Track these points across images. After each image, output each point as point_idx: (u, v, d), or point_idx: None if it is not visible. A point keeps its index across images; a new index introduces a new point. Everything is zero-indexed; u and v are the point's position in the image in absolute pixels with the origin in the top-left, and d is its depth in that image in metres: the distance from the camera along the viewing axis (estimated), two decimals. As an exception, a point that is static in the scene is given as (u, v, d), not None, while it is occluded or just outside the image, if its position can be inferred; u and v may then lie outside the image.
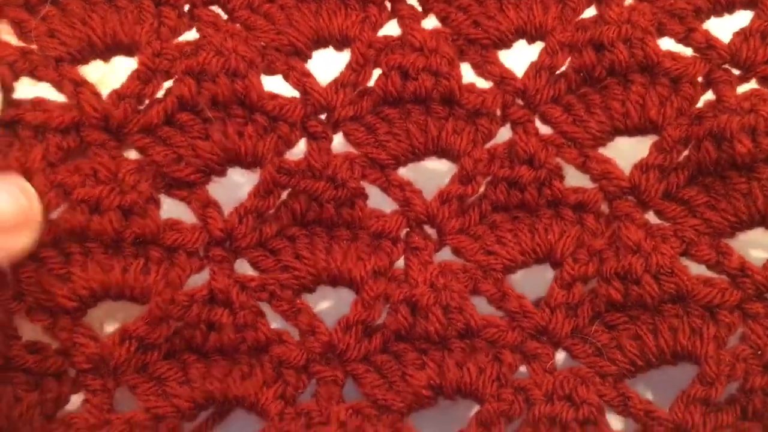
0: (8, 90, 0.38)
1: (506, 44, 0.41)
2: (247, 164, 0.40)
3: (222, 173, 0.40)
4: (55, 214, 0.37)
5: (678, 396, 0.38)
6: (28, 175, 0.36)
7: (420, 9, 0.41)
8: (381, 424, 0.39)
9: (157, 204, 0.39)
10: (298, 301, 0.40)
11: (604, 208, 0.41)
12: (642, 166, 0.40)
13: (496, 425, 0.38)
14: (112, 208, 0.37)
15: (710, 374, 0.38)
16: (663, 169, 0.39)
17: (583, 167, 0.40)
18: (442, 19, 0.41)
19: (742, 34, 0.39)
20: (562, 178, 0.40)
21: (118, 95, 0.38)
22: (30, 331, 0.38)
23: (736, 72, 0.40)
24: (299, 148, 0.41)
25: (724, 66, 0.39)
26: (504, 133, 0.41)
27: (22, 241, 0.35)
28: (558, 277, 0.40)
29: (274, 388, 0.39)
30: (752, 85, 0.40)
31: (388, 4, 0.41)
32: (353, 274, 0.40)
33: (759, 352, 0.38)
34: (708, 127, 0.38)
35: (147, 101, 0.39)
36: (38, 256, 0.37)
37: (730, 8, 0.40)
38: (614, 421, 0.39)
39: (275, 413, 0.38)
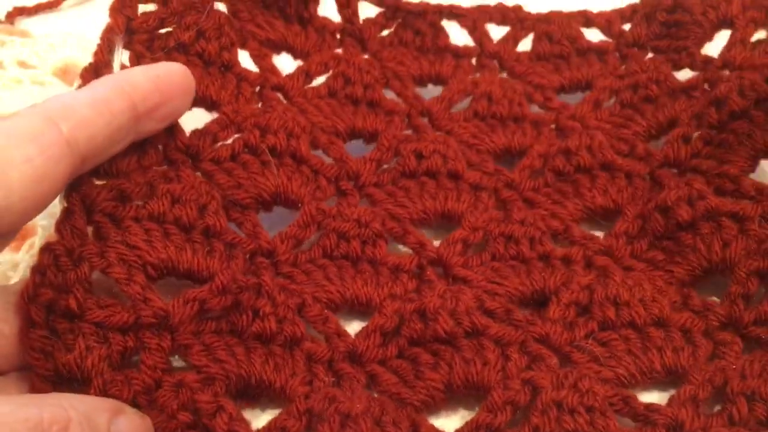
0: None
1: (498, 158, 0.54)
2: (290, 203, 0.48)
3: (269, 208, 0.48)
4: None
5: (671, 397, 0.42)
6: None
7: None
8: (399, 416, 0.40)
9: (225, 212, 0.45)
10: (326, 310, 0.44)
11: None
12: (613, 234, 0.49)
13: (502, 412, 0.40)
14: (191, 200, 0.43)
15: (695, 379, 0.42)
16: (628, 236, 0.49)
17: (565, 233, 0.49)
18: (447, 132, 0.54)
19: None
20: (550, 239, 0.49)
21: (200, 131, 0.48)
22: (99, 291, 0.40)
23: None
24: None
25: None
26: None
27: None
28: (554, 302, 0.45)
29: (301, 376, 0.41)
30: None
31: (406, 120, 0.54)
32: (373, 297, 0.45)
33: (734, 366, 0.42)
34: (655, 203, 0.49)
35: (220, 143, 0.48)
36: (123, 225, 0.41)
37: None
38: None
39: (302, 394, 0.40)
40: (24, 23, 0.65)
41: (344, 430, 0.37)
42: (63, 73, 0.58)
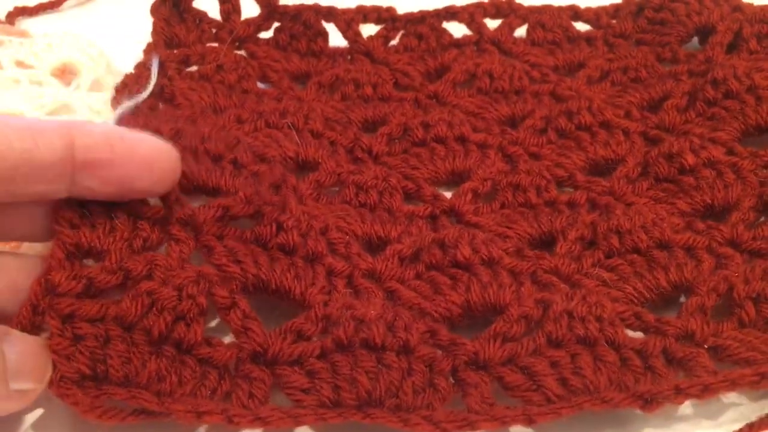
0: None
1: (502, 125, 0.57)
2: (310, 162, 0.52)
3: (291, 165, 0.52)
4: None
5: (680, 309, 0.44)
6: None
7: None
8: (413, 323, 0.41)
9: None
10: (348, 237, 0.47)
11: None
12: (614, 177, 0.52)
13: (518, 324, 0.42)
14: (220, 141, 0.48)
15: (700, 290, 0.44)
16: (629, 179, 0.52)
17: (569, 180, 0.52)
18: (453, 107, 0.58)
19: None
20: (555, 186, 0.52)
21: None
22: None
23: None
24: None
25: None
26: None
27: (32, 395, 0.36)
28: (560, 240, 0.48)
29: (321, 286, 0.43)
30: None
31: (415, 104, 0.59)
32: (390, 233, 0.48)
33: (736, 274, 0.44)
34: (659, 150, 0.53)
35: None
36: None
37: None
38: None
39: (320, 301, 0.42)
40: (24, 23, 0.67)
41: (357, 335, 0.39)
42: (61, 73, 0.58)
